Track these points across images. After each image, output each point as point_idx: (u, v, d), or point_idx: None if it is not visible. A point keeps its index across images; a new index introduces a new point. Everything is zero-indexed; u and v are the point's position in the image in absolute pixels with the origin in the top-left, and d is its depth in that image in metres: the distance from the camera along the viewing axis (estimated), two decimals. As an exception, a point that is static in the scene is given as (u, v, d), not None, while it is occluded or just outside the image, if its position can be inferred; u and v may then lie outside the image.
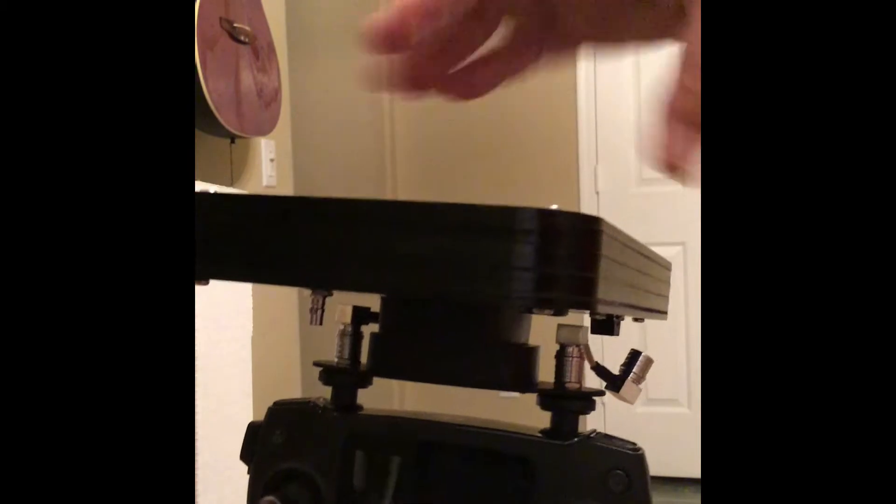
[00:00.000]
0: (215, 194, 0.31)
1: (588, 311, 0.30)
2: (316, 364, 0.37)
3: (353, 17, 3.14)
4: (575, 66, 3.04)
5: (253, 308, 1.30)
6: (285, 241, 0.29)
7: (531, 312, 0.31)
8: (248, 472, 0.37)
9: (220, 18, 1.79)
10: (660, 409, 3.01)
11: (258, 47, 1.98)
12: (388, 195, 3.17)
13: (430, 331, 0.35)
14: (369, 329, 0.37)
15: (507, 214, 0.26)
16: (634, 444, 0.34)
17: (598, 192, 3.06)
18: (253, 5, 1.98)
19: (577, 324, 0.35)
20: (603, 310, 0.29)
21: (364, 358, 0.37)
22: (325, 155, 3.14)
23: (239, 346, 0.70)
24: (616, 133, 3.04)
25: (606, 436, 0.34)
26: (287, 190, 2.48)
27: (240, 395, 0.69)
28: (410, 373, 0.35)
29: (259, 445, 0.37)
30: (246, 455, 0.37)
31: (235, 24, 1.85)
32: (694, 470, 2.93)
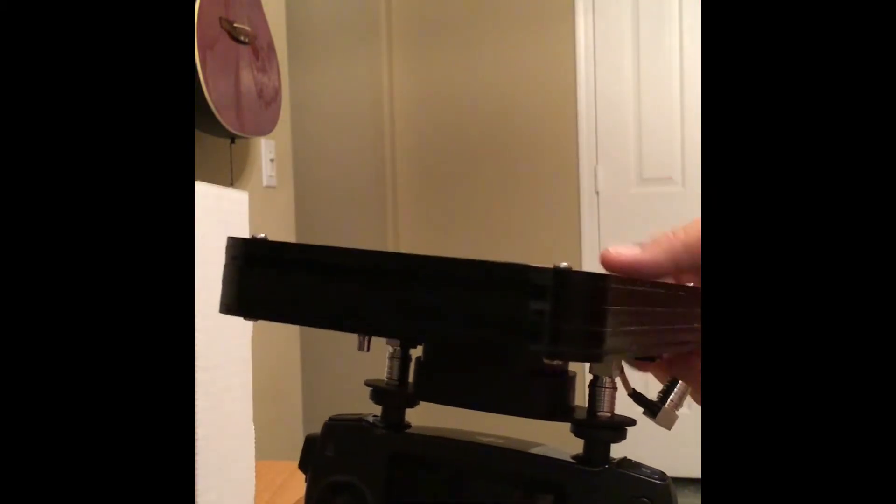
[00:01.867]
0: (270, 242, 0.35)
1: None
2: (367, 384, 0.41)
3: (353, 17, 3.14)
4: (575, 74, 3.04)
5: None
6: (322, 290, 0.33)
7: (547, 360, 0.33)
8: (306, 482, 0.40)
9: (220, 18, 1.79)
10: (660, 409, 3.01)
11: (258, 47, 1.98)
12: (388, 195, 3.17)
13: (468, 360, 0.37)
14: (416, 352, 0.41)
15: (521, 272, 0.29)
16: (663, 473, 0.36)
17: (598, 192, 3.05)
18: (253, 5, 1.98)
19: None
20: (613, 359, 0.33)
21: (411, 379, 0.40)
22: (325, 155, 3.14)
23: (239, 345, 0.70)
24: (616, 133, 3.04)
25: (636, 464, 0.36)
26: (287, 190, 2.48)
27: (240, 395, 0.69)
28: (449, 399, 0.38)
29: (314, 457, 0.40)
30: (303, 465, 0.40)
31: (235, 24, 1.85)
32: (694, 470, 2.93)
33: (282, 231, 2.50)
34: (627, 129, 3.03)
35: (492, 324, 0.30)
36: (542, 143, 3.09)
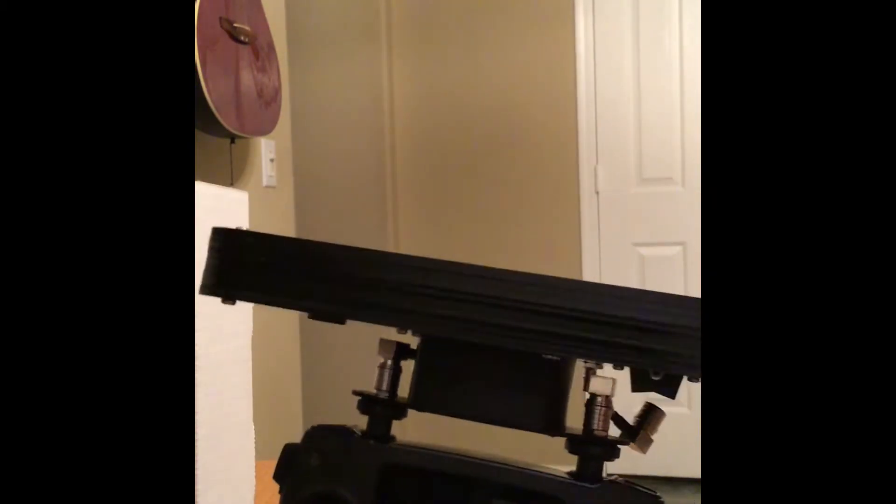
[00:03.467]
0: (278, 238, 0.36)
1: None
2: (355, 393, 0.40)
3: (353, 18, 3.14)
4: (575, 74, 3.04)
5: (253, 308, 1.30)
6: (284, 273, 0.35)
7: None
8: (280, 492, 0.38)
9: (220, 18, 1.79)
10: (660, 409, 3.01)
11: (258, 47, 1.98)
12: (388, 195, 3.16)
13: (467, 370, 0.37)
14: (408, 365, 0.40)
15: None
16: (654, 491, 0.36)
17: (598, 192, 3.05)
18: (253, 5, 1.98)
19: (608, 376, 0.37)
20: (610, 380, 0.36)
21: (401, 392, 0.40)
22: (325, 155, 3.14)
23: (239, 346, 0.70)
24: (616, 133, 3.04)
25: (628, 482, 0.36)
26: (287, 190, 2.48)
27: (240, 395, 0.69)
28: (446, 408, 0.38)
29: (295, 467, 0.39)
30: (279, 475, 0.39)
31: (235, 24, 1.85)
32: (694, 470, 2.93)
33: (282, 231, 2.50)
34: (627, 129, 3.03)
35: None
36: (542, 142, 3.09)
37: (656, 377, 0.33)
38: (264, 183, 2.32)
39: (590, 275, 3.04)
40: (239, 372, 0.71)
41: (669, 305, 0.30)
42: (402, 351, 0.40)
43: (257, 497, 0.76)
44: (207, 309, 0.61)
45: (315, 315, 0.35)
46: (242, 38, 1.88)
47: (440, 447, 0.39)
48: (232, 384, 0.70)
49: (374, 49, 3.14)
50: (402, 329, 0.34)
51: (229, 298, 0.35)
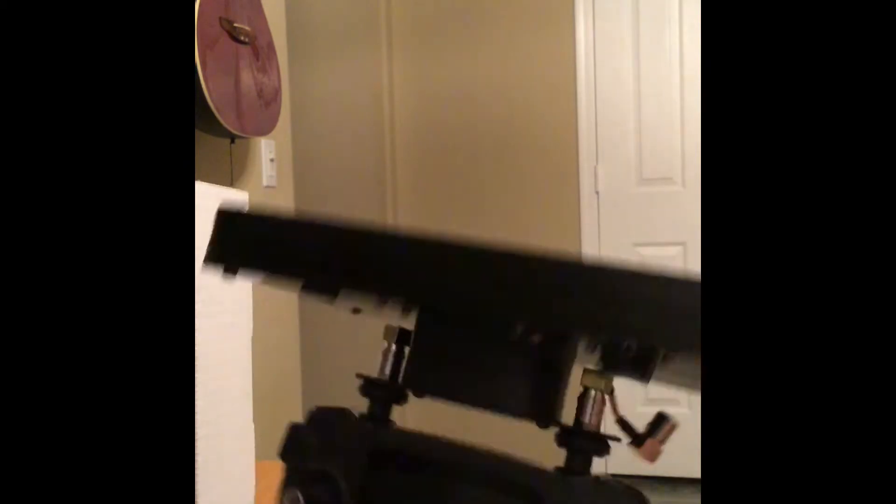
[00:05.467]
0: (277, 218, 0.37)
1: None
2: (358, 376, 0.41)
3: (353, 17, 3.14)
4: (575, 74, 3.04)
5: (253, 308, 1.30)
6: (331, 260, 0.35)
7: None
8: (283, 470, 0.40)
9: (220, 18, 1.79)
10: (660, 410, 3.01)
11: (258, 47, 1.98)
12: (388, 195, 3.16)
13: (458, 352, 0.38)
14: None
15: None
16: (640, 491, 0.36)
17: (598, 192, 3.05)
18: (253, 5, 1.98)
19: (605, 372, 0.37)
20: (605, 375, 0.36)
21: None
22: (325, 155, 3.14)
23: (239, 345, 0.70)
24: (616, 133, 3.04)
25: (613, 478, 0.36)
26: (287, 190, 2.48)
27: (240, 395, 0.69)
28: (439, 391, 0.38)
29: (295, 444, 0.40)
30: (283, 453, 0.40)
31: (235, 24, 1.85)
32: (694, 470, 2.93)
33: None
34: (627, 129, 3.03)
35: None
36: (543, 143, 3.09)
37: (626, 355, 0.33)
38: (264, 183, 2.32)
39: (590, 275, 3.04)
40: (239, 371, 0.71)
41: (630, 277, 0.30)
42: (404, 336, 0.40)
43: (257, 497, 0.76)
44: (208, 309, 0.61)
45: (308, 288, 0.35)
46: (242, 38, 1.88)
47: (432, 435, 0.39)
48: (232, 384, 0.70)
49: (374, 49, 3.14)
50: (384, 300, 0.35)
51: (229, 271, 0.36)
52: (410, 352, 0.39)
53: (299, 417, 2.54)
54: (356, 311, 0.44)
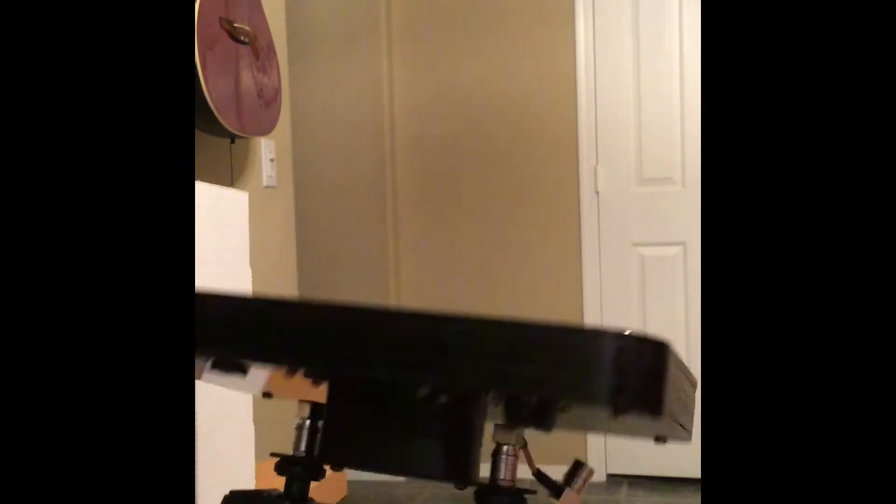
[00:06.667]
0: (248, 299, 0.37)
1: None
2: (273, 455, 0.40)
3: (353, 17, 3.14)
4: (575, 74, 3.04)
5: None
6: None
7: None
8: None
9: (220, 18, 1.79)
10: (660, 409, 3.01)
11: (258, 47, 1.98)
12: (388, 195, 3.16)
13: (373, 420, 0.37)
14: None
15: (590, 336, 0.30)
16: None
17: (597, 192, 3.05)
18: (253, 5, 1.98)
19: (511, 426, 0.37)
20: (515, 429, 0.35)
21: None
22: (325, 155, 3.14)
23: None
24: (616, 133, 3.04)
25: None
26: (287, 190, 2.48)
27: (240, 395, 0.70)
28: (353, 461, 0.37)
29: None
30: None
31: (235, 24, 1.85)
32: (694, 470, 2.93)
33: (281, 231, 2.50)
34: (627, 129, 3.03)
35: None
36: (543, 143, 3.09)
37: (527, 407, 0.33)
38: (264, 183, 2.32)
39: (590, 275, 3.04)
40: (239, 372, 0.71)
41: (525, 331, 0.30)
42: (317, 410, 0.40)
43: (257, 497, 0.75)
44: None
45: (217, 365, 0.35)
46: (242, 38, 1.88)
47: None
48: (232, 384, 0.70)
49: (374, 49, 3.14)
50: (291, 369, 0.35)
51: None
52: (324, 424, 0.38)
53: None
54: (266, 395, 0.44)
